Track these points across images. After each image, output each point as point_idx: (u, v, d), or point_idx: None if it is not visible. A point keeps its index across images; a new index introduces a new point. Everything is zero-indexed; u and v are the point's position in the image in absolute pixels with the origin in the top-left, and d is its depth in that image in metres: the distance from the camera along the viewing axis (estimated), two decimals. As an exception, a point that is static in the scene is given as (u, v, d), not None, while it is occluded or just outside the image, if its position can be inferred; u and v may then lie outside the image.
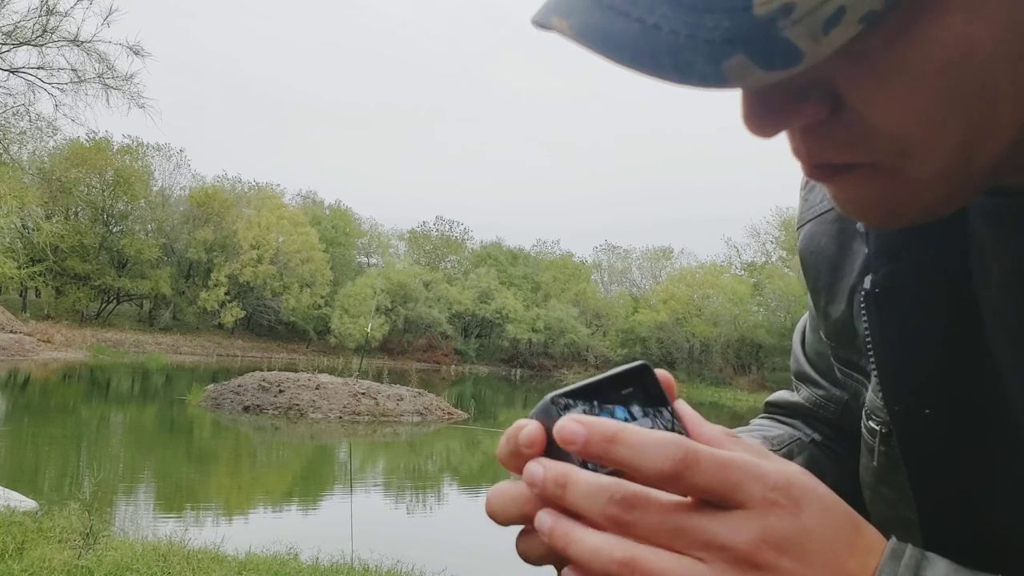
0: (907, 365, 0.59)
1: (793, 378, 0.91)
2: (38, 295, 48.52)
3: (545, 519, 0.42)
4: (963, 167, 0.42)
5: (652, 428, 0.43)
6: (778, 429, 0.87)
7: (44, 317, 45.59)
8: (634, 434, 0.40)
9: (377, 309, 47.03)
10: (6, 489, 8.43)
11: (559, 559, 0.44)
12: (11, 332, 37.43)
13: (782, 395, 0.92)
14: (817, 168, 0.46)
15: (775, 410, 0.92)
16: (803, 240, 0.73)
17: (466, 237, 69.67)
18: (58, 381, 28.95)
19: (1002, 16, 0.38)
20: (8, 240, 30.40)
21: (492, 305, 58.67)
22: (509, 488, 0.45)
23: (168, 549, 6.74)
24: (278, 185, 62.40)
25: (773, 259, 63.72)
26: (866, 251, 0.61)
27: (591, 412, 0.44)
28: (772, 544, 0.39)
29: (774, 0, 0.35)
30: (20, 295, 47.50)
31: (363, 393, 21.90)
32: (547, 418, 0.44)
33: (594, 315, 62.60)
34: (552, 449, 0.43)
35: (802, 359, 0.87)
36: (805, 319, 0.89)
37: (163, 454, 15.61)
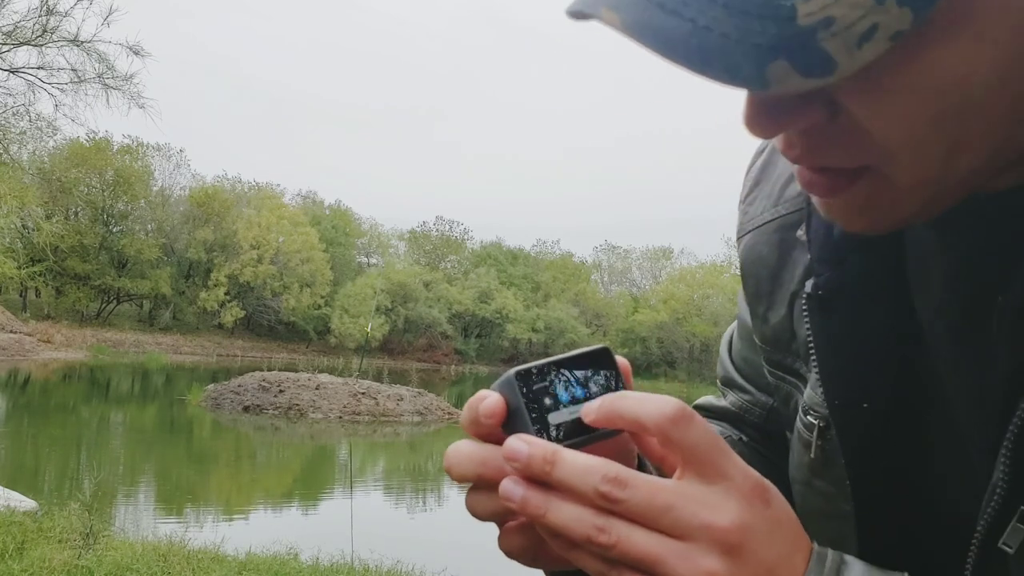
0: (848, 361, 0.62)
1: (719, 384, 0.95)
2: (38, 295, 48.53)
3: (515, 489, 0.45)
4: (941, 178, 0.45)
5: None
6: (713, 426, 0.89)
7: (44, 317, 45.60)
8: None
9: (377, 309, 47.04)
10: (6, 489, 8.43)
11: (503, 517, 0.50)
12: (11, 332, 37.43)
13: (708, 400, 0.96)
14: (816, 174, 0.48)
15: (703, 413, 0.94)
16: (744, 250, 0.76)
17: (466, 237, 69.76)
18: (58, 381, 28.95)
19: (1006, 44, 0.40)
20: (8, 240, 30.39)
21: (492, 305, 58.68)
22: (467, 448, 0.49)
23: (168, 549, 6.73)
24: (278, 185, 62.53)
25: (773, 259, 63.60)
26: (807, 258, 0.64)
27: (549, 387, 0.47)
28: (747, 528, 0.43)
29: (817, 12, 0.37)
30: (20, 295, 47.50)
31: (363, 393, 21.89)
32: (509, 392, 0.47)
33: (594, 315, 62.62)
34: (510, 421, 0.47)
35: (729, 366, 0.91)
36: (732, 328, 0.92)
37: (163, 454, 15.61)
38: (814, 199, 0.51)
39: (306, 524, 10.78)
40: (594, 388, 0.48)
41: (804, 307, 0.63)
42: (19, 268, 35.31)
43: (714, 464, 0.44)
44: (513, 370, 0.47)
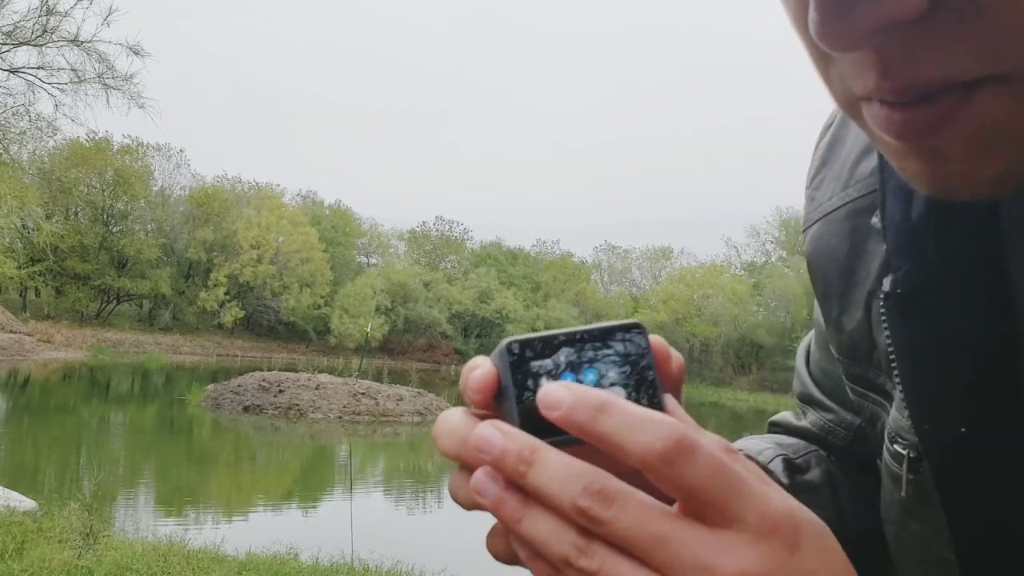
0: (938, 376, 0.50)
1: (797, 401, 0.83)
2: (38, 295, 48.51)
3: (488, 485, 0.36)
4: None
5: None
6: (792, 439, 0.80)
7: (44, 317, 45.60)
8: (626, 406, 0.34)
9: (377, 309, 47.05)
10: (6, 489, 8.43)
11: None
12: (11, 332, 37.44)
13: (785, 417, 0.84)
14: (907, 110, 0.34)
15: (779, 431, 0.84)
16: (810, 243, 0.67)
17: (466, 237, 69.76)
18: (58, 381, 28.95)
19: None
20: (8, 240, 30.41)
21: (492, 305, 58.70)
22: (456, 419, 0.40)
23: (168, 549, 6.74)
24: (278, 185, 62.49)
25: (773, 259, 63.77)
26: (884, 249, 0.53)
27: (553, 369, 0.38)
28: None
29: None
30: (20, 295, 47.50)
31: (363, 393, 21.90)
32: (500, 365, 0.38)
33: (594, 315, 62.58)
34: (500, 400, 0.38)
35: (807, 380, 0.79)
36: (810, 337, 0.80)
37: (163, 454, 15.61)
38: (891, 156, 0.38)
39: (306, 524, 10.79)
40: (612, 375, 0.37)
41: (882, 309, 0.52)
42: (19, 268, 35.33)
43: (720, 508, 0.33)
44: (508, 339, 0.38)
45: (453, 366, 56.18)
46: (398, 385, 24.97)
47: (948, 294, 0.49)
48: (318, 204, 65.28)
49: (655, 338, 0.39)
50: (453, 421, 0.39)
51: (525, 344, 0.37)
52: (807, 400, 0.80)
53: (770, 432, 0.86)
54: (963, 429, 0.49)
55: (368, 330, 35.81)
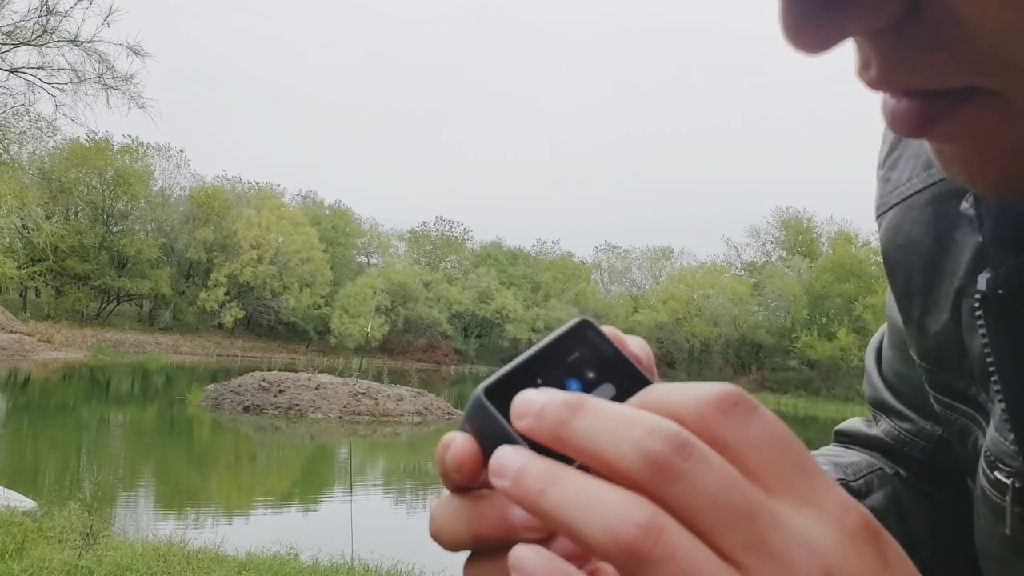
0: None
1: (869, 406, 0.74)
2: (38, 295, 48.52)
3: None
4: None
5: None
6: (853, 456, 0.72)
7: (44, 317, 45.60)
8: (606, 406, 0.28)
9: (377, 309, 47.05)
10: (6, 489, 8.43)
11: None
12: (11, 332, 37.44)
13: (855, 424, 0.75)
14: (904, 101, 0.32)
15: (846, 440, 0.76)
16: (887, 231, 0.58)
17: (466, 237, 69.78)
18: (58, 381, 28.95)
19: None
20: (8, 240, 30.42)
21: (492, 305, 58.72)
22: (454, 503, 0.34)
23: (168, 549, 6.74)
24: (278, 185, 62.50)
25: (773, 259, 63.76)
26: (979, 240, 0.46)
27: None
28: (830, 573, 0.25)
29: None
30: (20, 295, 47.51)
31: (363, 393, 21.90)
32: (480, 418, 0.33)
33: (594, 315, 62.52)
34: (490, 448, 0.32)
35: (879, 384, 0.70)
36: (881, 333, 0.71)
37: (163, 454, 15.61)
38: (928, 148, 0.36)
39: (306, 524, 10.79)
40: (593, 376, 0.34)
41: (977, 311, 0.45)
42: (19, 268, 35.34)
43: (790, 478, 0.27)
44: (479, 388, 0.33)
45: (453, 366, 56.20)
46: (398, 385, 24.98)
47: None
48: (318, 204, 65.30)
49: (607, 328, 0.36)
50: (452, 506, 0.34)
51: (498, 385, 0.33)
52: (880, 406, 0.71)
53: (836, 441, 0.78)
54: None
55: (368, 330, 35.81)
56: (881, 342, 0.71)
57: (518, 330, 57.66)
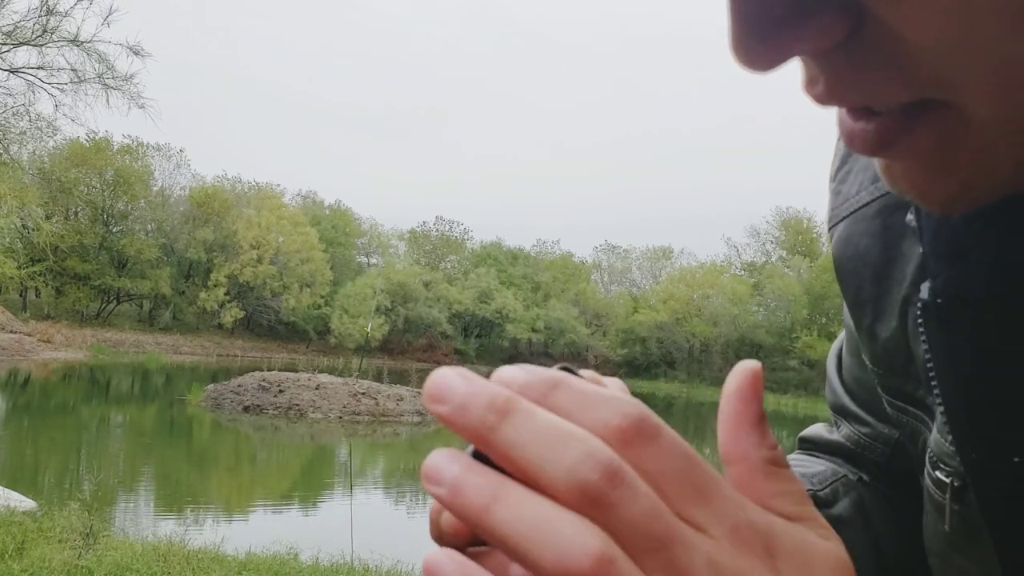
0: (984, 397, 0.44)
1: (831, 412, 0.75)
2: (38, 295, 48.51)
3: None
4: None
5: None
6: (818, 465, 0.73)
7: (44, 317, 45.60)
8: (581, 384, 0.28)
9: (377, 309, 47.07)
10: (6, 489, 8.43)
11: None
12: (11, 332, 37.43)
13: (817, 431, 0.76)
14: (859, 119, 0.33)
15: (810, 447, 0.78)
16: (838, 243, 0.59)
17: (466, 237, 69.78)
18: (58, 381, 28.95)
19: None
20: (8, 240, 30.43)
21: (492, 305, 58.72)
22: (456, 561, 0.28)
23: (168, 549, 6.74)
24: (278, 185, 62.50)
25: (773, 259, 63.76)
26: (921, 251, 0.46)
27: None
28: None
29: None
30: (20, 295, 47.51)
31: (363, 393, 21.91)
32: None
33: (594, 315, 62.63)
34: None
35: (839, 390, 0.72)
36: (840, 341, 0.73)
37: (163, 454, 15.61)
38: (875, 164, 0.36)
39: (306, 524, 10.79)
40: None
41: (920, 319, 0.46)
42: (19, 268, 35.35)
43: (685, 506, 0.27)
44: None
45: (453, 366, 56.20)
46: (398, 385, 24.99)
47: (996, 304, 0.42)
48: (318, 204, 65.30)
49: (587, 373, 0.33)
50: (456, 563, 0.28)
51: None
52: (840, 411, 0.73)
53: (800, 448, 0.80)
54: (1016, 459, 0.43)
55: (368, 330, 35.83)
56: (840, 349, 0.72)
57: (518, 330, 57.66)
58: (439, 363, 55.69)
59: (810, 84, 0.32)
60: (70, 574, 5.84)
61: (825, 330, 52.24)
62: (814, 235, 64.20)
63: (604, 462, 0.25)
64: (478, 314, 59.49)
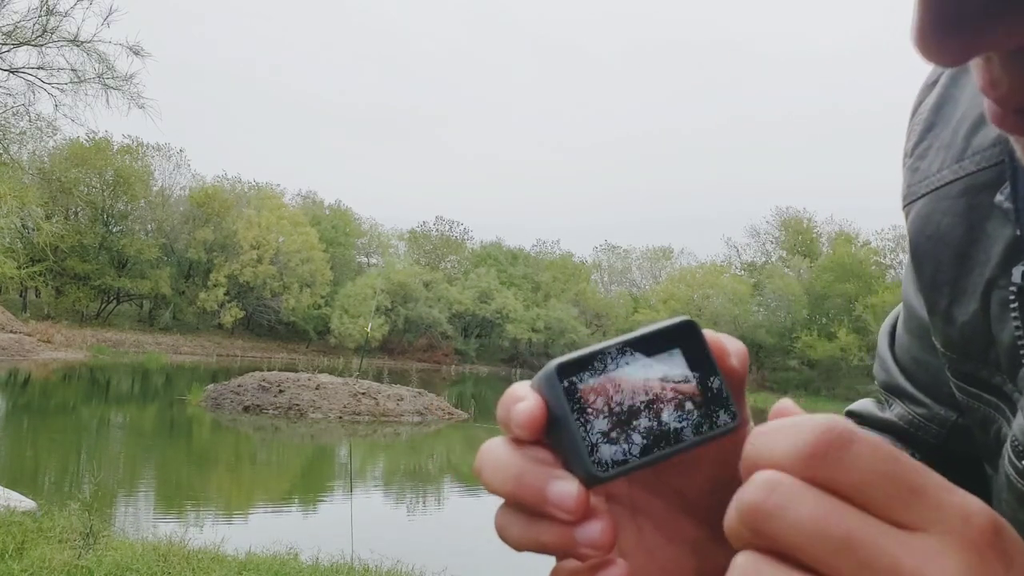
0: None
1: (881, 390, 0.72)
2: (38, 295, 48.50)
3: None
4: None
5: None
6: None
7: (44, 317, 45.58)
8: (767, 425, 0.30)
9: (377, 309, 47.04)
10: (6, 489, 8.43)
11: (543, 545, 0.34)
12: (11, 332, 37.43)
13: (867, 407, 0.74)
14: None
15: (860, 423, 0.75)
16: (916, 220, 0.57)
17: (466, 237, 69.79)
18: (58, 381, 28.94)
19: None
20: (8, 240, 30.41)
21: (492, 305, 58.70)
22: (503, 454, 0.35)
23: (168, 549, 6.73)
24: (278, 185, 62.48)
25: (773, 259, 63.74)
26: (1014, 233, 0.46)
27: (610, 388, 0.34)
28: None
29: None
30: (20, 295, 47.50)
31: (363, 393, 21.90)
32: (550, 393, 0.34)
33: (594, 315, 62.63)
34: (554, 431, 0.34)
35: (893, 368, 0.69)
36: (894, 317, 0.70)
37: (163, 454, 15.61)
38: (1016, 143, 0.35)
39: (306, 524, 10.79)
40: (670, 389, 0.34)
41: (1012, 302, 0.45)
42: (19, 268, 35.32)
43: (903, 506, 0.27)
44: (555, 362, 0.34)
45: (453, 366, 56.20)
46: (398, 385, 24.97)
47: None
48: (318, 204, 65.28)
49: (710, 333, 0.36)
50: (499, 455, 0.35)
51: (575, 365, 0.34)
52: (893, 391, 0.70)
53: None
54: None
55: (368, 330, 35.82)
56: (894, 326, 0.69)
57: (518, 330, 57.65)
58: (439, 363, 55.74)
59: (992, 85, 0.31)
60: (70, 574, 5.84)
61: (825, 330, 52.24)
62: (814, 235, 64.21)
63: (762, 481, 0.27)
64: (478, 314, 59.47)
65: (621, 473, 0.33)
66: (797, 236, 63.34)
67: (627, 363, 0.34)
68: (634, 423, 0.33)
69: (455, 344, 59.22)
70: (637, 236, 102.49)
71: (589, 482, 0.33)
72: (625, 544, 0.38)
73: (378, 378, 28.91)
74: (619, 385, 0.34)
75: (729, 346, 0.36)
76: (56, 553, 6.08)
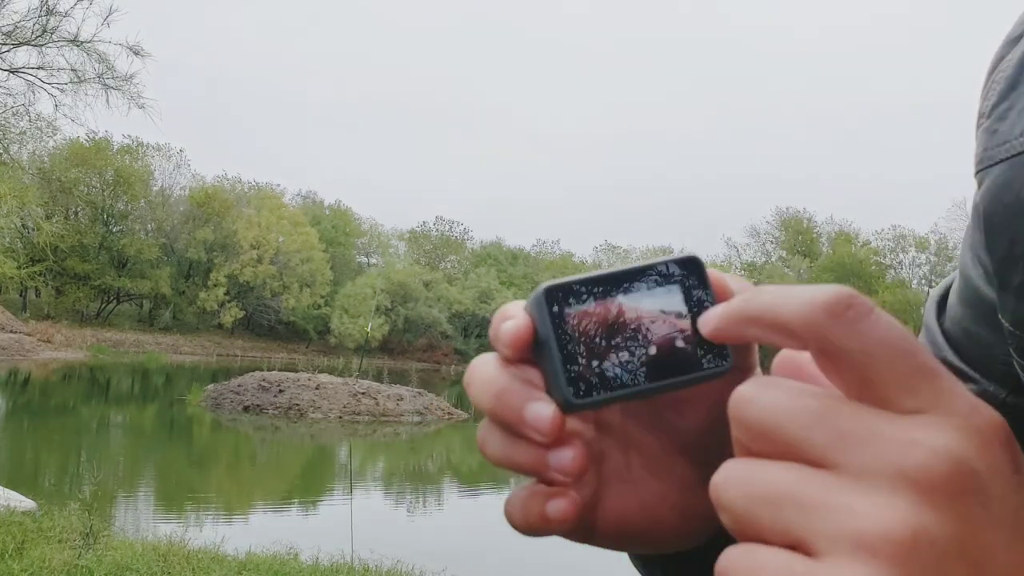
0: None
1: None
2: (38, 295, 48.54)
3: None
4: None
5: None
6: None
7: (44, 317, 45.61)
8: (773, 287, 0.29)
9: (377, 309, 47.06)
10: (6, 489, 8.43)
11: (516, 464, 0.35)
12: (11, 332, 37.45)
13: None
14: None
15: None
16: (992, 188, 0.52)
17: (466, 237, 69.85)
18: (58, 381, 28.95)
19: None
20: (8, 240, 30.44)
21: (492, 305, 58.73)
22: (489, 368, 0.35)
23: (168, 549, 6.73)
24: (278, 185, 62.55)
25: (773, 259, 63.77)
26: None
27: (599, 317, 0.33)
28: (976, 475, 0.25)
29: None
30: (20, 295, 47.52)
31: (363, 393, 21.90)
32: (537, 315, 0.33)
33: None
34: (539, 350, 0.34)
35: (940, 340, 0.64)
36: (944, 287, 0.66)
37: (163, 454, 15.61)
38: None
39: (306, 524, 10.79)
40: (668, 314, 0.33)
41: None
42: (19, 268, 35.35)
43: (909, 384, 0.26)
44: (544, 285, 0.33)
45: (453, 366, 56.22)
46: (398, 385, 24.97)
47: None
48: (318, 204, 65.34)
49: (714, 273, 0.35)
50: (486, 370, 0.35)
51: (566, 290, 0.33)
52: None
53: None
54: None
55: (368, 330, 35.81)
56: (943, 295, 0.65)
57: (518, 330, 57.69)
58: (439, 363, 55.76)
59: None
60: (70, 574, 5.84)
61: (825, 330, 52.13)
62: (814, 235, 64.27)
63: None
64: (478, 314, 59.51)
65: (598, 403, 0.32)
66: (797, 236, 63.40)
67: (623, 294, 0.33)
68: (621, 355, 0.32)
69: (455, 344, 59.26)
70: (637, 236, 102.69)
71: (565, 408, 0.32)
72: (611, 474, 0.38)
73: (378, 378, 28.90)
74: (612, 315, 0.33)
75: (733, 286, 0.35)
76: (56, 553, 6.08)
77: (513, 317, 0.34)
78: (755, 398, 0.27)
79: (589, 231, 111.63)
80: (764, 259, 64.69)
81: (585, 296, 0.33)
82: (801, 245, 62.39)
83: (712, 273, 0.34)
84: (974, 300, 0.59)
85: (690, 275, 0.34)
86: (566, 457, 0.33)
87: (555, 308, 0.32)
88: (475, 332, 62.05)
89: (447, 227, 69.07)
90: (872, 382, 0.26)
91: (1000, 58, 0.54)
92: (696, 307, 0.34)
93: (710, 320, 0.32)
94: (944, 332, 0.64)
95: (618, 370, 0.32)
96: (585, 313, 0.33)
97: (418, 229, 69.23)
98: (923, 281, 59.20)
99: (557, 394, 0.33)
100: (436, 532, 10.98)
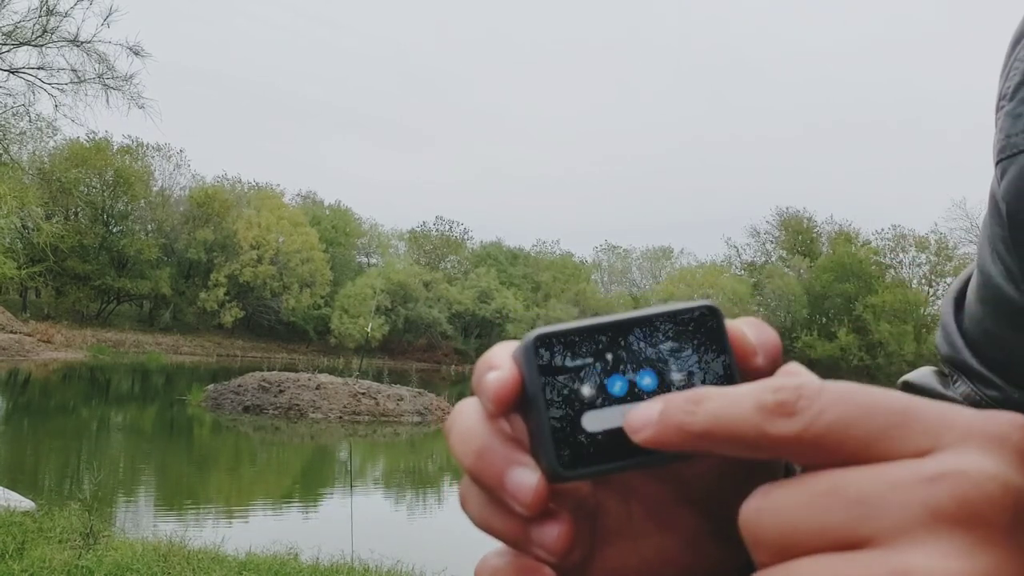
0: None
1: (945, 364, 0.64)
2: (38, 295, 48.53)
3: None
4: None
5: None
6: None
7: (44, 317, 45.60)
8: (720, 389, 0.27)
9: (377, 309, 47.08)
10: (6, 489, 8.43)
11: (495, 532, 0.32)
12: (11, 332, 37.45)
13: (928, 380, 0.64)
14: None
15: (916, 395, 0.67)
16: (1013, 180, 0.48)
17: (466, 237, 69.83)
18: (58, 381, 28.95)
19: None
20: (8, 240, 30.45)
21: (492, 305, 58.75)
22: (471, 420, 0.31)
23: (168, 549, 6.74)
24: (278, 185, 62.52)
25: (773, 259, 63.77)
26: None
27: (595, 365, 0.29)
28: (1007, 485, 0.22)
29: None
30: (20, 295, 47.51)
31: (363, 393, 21.90)
32: (525, 365, 0.29)
33: (594, 315, 62.37)
34: (526, 407, 0.30)
35: (960, 342, 0.59)
36: (960, 283, 0.61)
37: (163, 454, 15.61)
38: None
39: (306, 524, 10.79)
40: (677, 375, 0.29)
41: None
42: (19, 268, 35.36)
43: (898, 430, 0.24)
44: (535, 332, 0.29)
45: (453, 366, 56.21)
46: (398, 385, 24.97)
47: None
48: (318, 204, 65.32)
49: (735, 326, 0.30)
50: (467, 423, 0.31)
51: (559, 339, 0.29)
52: (959, 367, 0.61)
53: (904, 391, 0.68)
54: None
55: (368, 330, 35.84)
56: (960, 291, 0.60)
57: (518, 330, 57.66)
58: (439, 363, 55.76)
59: None
60: (70, 574, 5.84)
61: (825, 330, 52.28)
62: (814, 235, 64.25)
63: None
64: (478, 314, 59.51)
65: (590, 475, 0.29)
66: (797, 236, 63.39)
67: (627, 345, 0.29)
68: (620, 418, 0.29)
69: (455, 344, 59.26)
70: (637, 236, 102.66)
71: (551, 477, 0.29)
72: (608, 529, 0.34)
73: (378, 378, 28.91)
74: (611, 370, 0.29)
75: (757, 342, 0.30)
76: (56, 553, 6.08)
77: (499, 367, 0.30)
78: (760, 507, 0.24)
79: (589, 231, 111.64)
80: (764, 259, 64.69)
81: (581, 346, 0.29)
82: (801, 245, 62.37)
83: (733, 327, 0.30)
84: (993, 299, 0.54)
85: (703, 326, 0.29)
86: (550, 534, 0.29)
87: (546, 359, 0.29)
88: (475, 332, 62.04)
89: (447, 227, 69.12)
90: (851, 452, 0.24)
91: (1023, 33, 0.49)
92: (712, 366, 0.29)
93: (637, 423, 0.27)
94: (963, 333, 0.59)
95: (617, 436, 0.28)
96: (580, 367, 0.29)
97: (418, 229, 69.26)
98: (923, 281, 59.21)
99: (543, 460, 0.29)
100: (436, 532, 10.98)
